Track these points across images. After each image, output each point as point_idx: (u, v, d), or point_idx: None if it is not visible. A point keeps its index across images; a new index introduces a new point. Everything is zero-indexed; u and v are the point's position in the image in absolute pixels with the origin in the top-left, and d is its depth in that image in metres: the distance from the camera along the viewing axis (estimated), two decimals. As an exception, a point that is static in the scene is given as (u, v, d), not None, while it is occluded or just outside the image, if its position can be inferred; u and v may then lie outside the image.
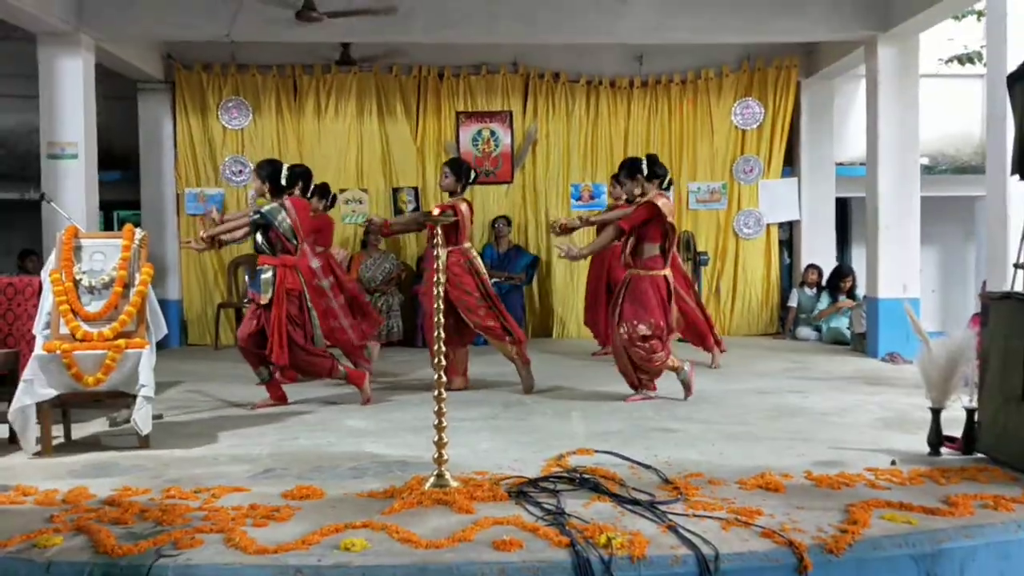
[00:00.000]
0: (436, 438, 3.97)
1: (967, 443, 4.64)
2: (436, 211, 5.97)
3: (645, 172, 6.25)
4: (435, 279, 4.18)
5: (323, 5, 8.09)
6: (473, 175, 6.87)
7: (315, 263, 6.85)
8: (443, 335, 4.11)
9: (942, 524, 3.48)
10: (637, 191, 6.31)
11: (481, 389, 6.79)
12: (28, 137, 10.43)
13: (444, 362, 4.12)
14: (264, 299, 6.01)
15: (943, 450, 4.67)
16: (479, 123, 10.50)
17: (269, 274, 6.05)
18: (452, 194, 6.76)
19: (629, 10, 8.54)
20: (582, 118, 10.55)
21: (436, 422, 3.97)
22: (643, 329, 6.08)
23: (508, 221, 10.25)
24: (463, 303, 6.54)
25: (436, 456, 3.97)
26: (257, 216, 6.10)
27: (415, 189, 10.44)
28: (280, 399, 6.29)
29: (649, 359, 6.16)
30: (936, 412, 4.67)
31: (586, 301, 8.95)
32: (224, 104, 10.28)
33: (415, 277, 10.12)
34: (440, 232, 4.34)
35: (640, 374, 6.30)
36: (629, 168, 6.36)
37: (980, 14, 9.39)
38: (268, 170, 6.21)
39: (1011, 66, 5.88)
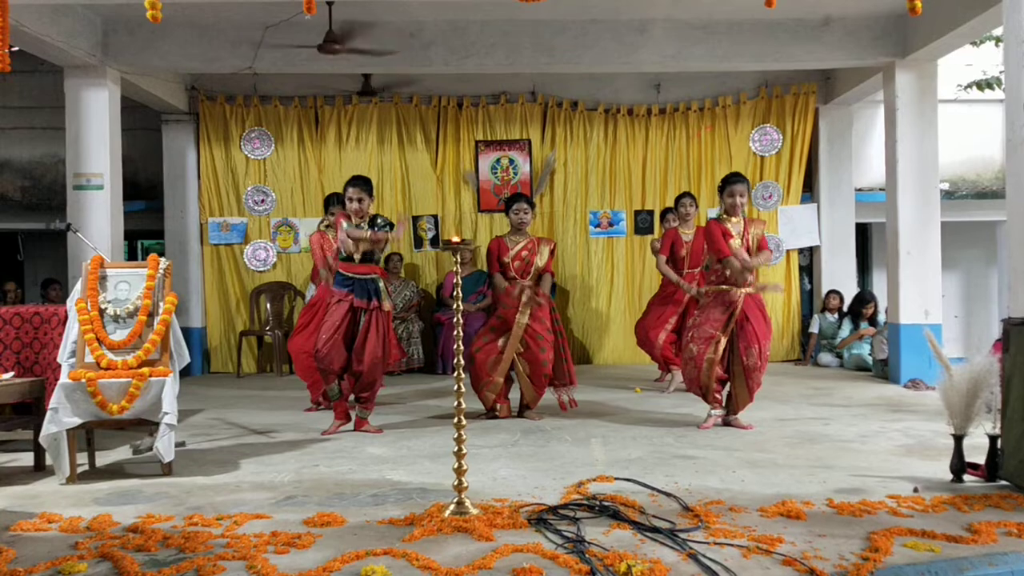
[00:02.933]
0: (456, 465, 3.98)
1: (990, 470, 4.60)
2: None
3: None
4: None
5: (344, 38, 8.22)
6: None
7: None
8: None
9: (965, 552, 3.45)
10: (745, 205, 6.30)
11: (500, 417, 6.79)
12: (54, 168, 10.65)
13: (464, 389, 4.14)
14: (388, 305, 6.18)
15: (966, 477, 4.64)
16: (498, 151, 10.58)
17: (383, 283, 6.22)
18: (521, 228, 6.78)
19: (647, 39, 8.62)
20: (600, 146, 10.60)
21: (455, 449, 3.99)
22: (768, 351, 6.21)
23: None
24: (542, 339, 6.59)
25: (456, 483, 3.98)
26: (388, 228, 6.21)
27: (435, 217, 10.51)
28: (346, 417, 6.29)
29: (757, 387, 6.22)
30: (959, 439, 4.64)
31: (651, 322, 8.26)
32: (247, 135, 10.42)
33: (436, 304, 10.16)
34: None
35: (743, 396, 6.26)
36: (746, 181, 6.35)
37: (998, 40, 9.38)
38: (370, 186, 6.28)
39: (1029, 91, 5.89)
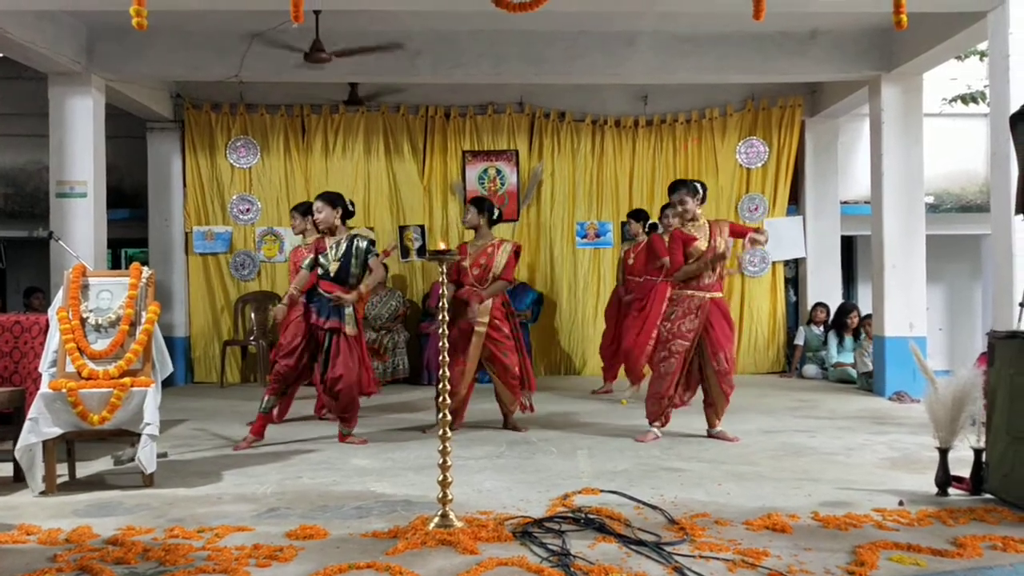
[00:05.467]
0: (440, 477, 3.95)
1: (975, 483, 4.61)
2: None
3: (703, 195, 6.32)
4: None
5: (331, 47, 8.19)
6: (497, 212, 6.84)
7: None
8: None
9: (950, 566, 3.45)
10: (698, 211, 6.27)
11: (485, 428, 6.77)
12: (37, 175, 10.57)
13: (450, 401, 4.11)
14: (354, 331, 6.11)
15: (951, 490, 4.64)
16: (485, 162, 10.57)
17: (352, 309, 6.13)
18: (478, 230, 6.69)
19: (635, 51, 8.65)
20: (587, 157, 10.62)
21: (440, 461, 3.96)
22: (733, 353, 6.26)
23: (514, 258, 10.27)
24: (502, 345, 6.52)
25: (440, 496, 3.95)
26: (375, 251, 6.20)
27: (422, 227, 10.49)
28: (259, 434, 6.19)
29: (731, 389, 6.23)
30: (944, 452, 4.64)
31: (608, 339, 8.80)
32: (232, 143, 10.38)
33: (422, 315, 10.14)
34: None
35: (716, 407, 6.27)
36: (695, 189, 6.26)
37: (983, 54, 9.46)
38: (332, 199, 6.27)
39: (1014, 105, 5.94)
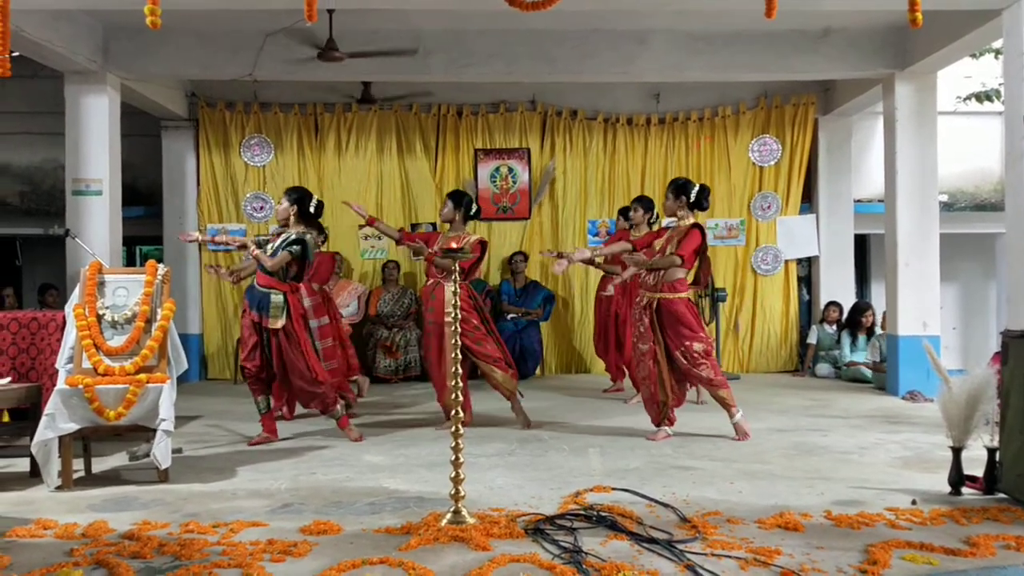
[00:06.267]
0: (452, 474, 3.97)
1: (988, 483, 4.60)
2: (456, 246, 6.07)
3: (692, 198, 6.26)
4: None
5: (344, 46, 8.22)
6: (475, 209, 6.83)
7: (307, 302, 6.87)
8: (460, 370, 4.12)
9: (963, 565, 3.45)
10: (680, 212, 6.28)
11: (496, 425, 6.78)
12: (53, 173, 10.63)
13: (461, 398, 4.13)
14: (277, 324, 6.02)
15: (964, 490, 4.63)
16: (497, 160, 10.59)
17: (280, 298, 6.06)
18: (452, 224, 6.71)
19: (647, 49, 8.64)
20: (599, 155, 10.62)
21: (452, 458, 3.98)
22: (698, 346, 6.12)
23: (525, 257, 10.29)
24: (471, 336, 6.53)
25: (452, 492, 3.97)
26: (297, 248, 6.10)
27: (433, 225, 10.50)
28: (273, 433, 6.27)
29: (713, 377, 6.15)
30: (957, 451, 4.63)
31: (596, 339, 8.98)
32: (246, 141, 10.42)
33: (432, 312, 10.16)
34: (457, 268, 4.40)
35: (720, 396, 6.24)
36: (678, 188, 6.29)
37: (998, 52, 9.40)
38: (296, 195, 6.31)
39: (1028, 104, 5.91)
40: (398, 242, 6.82)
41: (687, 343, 6.10)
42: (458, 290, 4.33)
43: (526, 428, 6.64)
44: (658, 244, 6.30)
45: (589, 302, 10.48)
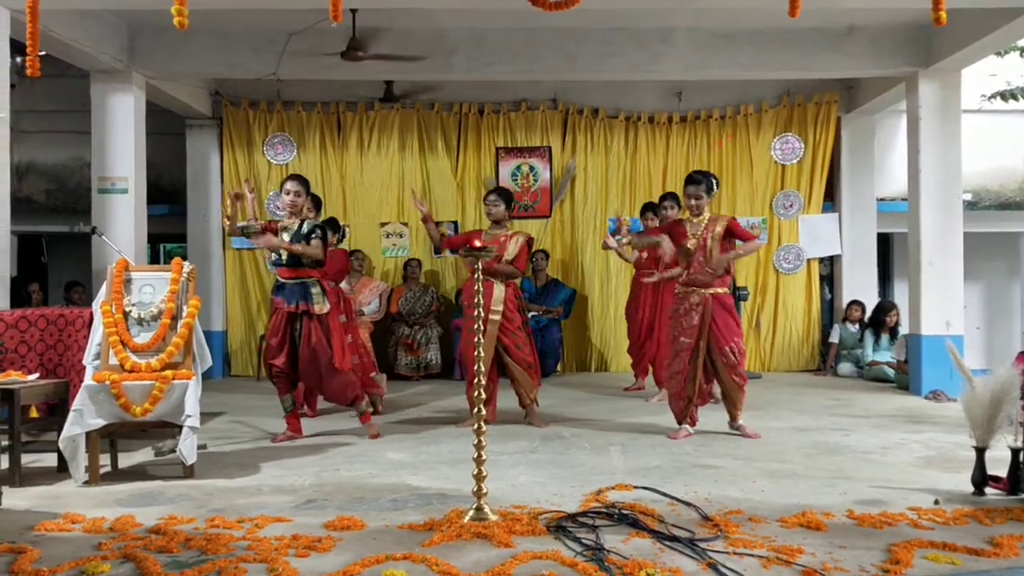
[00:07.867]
0: (475, 471, 4.00)
1: (1012, 483, 4.57)
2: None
3: (715, 189, 6.31)
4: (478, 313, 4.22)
5: (367, 42, 8.26)
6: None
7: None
8: (483, 369, 4.15)
9: (986, 565, 3.44)
10: (706, 209, 6.28)
11: (518, 423, 6.79)
12: (79, 171, 10.74)
13: (484, 395, 4.16)
14: (324, 308, 6.07)
15: (988, 490, 4.60)
16: (519, 158, 10.61)
17: (318, 286, 6.12)
18: (499, 223, 6.75)
19: (670, 47, 8.63)
20: (620, 153, 10.61)
21: (475, 455, 4.01)
22: (742, 343, 6.22)
23: (546, 255, 10.30)
24: (513, 336, 6.58)
25: (475, 489, 4.00)
26: (321, 235, 6.11)
27: (455, 223, 10.54)
28: (297, 431, 6.31)
29: (743, 381, 6.21)
30: (980, 451, 4.61)
31: (633, 335, 8.71)
32: (270, 140, 10.49)
33: (455, 311, 10.19)
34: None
35: (732, 402, 6.27)
36: (709, 182, 6.25)
37: (1022, 50, 9.34)
38: (308, 187, 6.33)
39: (1054, 103, 5.86)
40: (437, 250, 6.77)
41: (736, 339, 6.17)
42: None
43: (544, 427, 6.66)
44: (690, 245, 6.24)
45: (609, 300, 10.50)
